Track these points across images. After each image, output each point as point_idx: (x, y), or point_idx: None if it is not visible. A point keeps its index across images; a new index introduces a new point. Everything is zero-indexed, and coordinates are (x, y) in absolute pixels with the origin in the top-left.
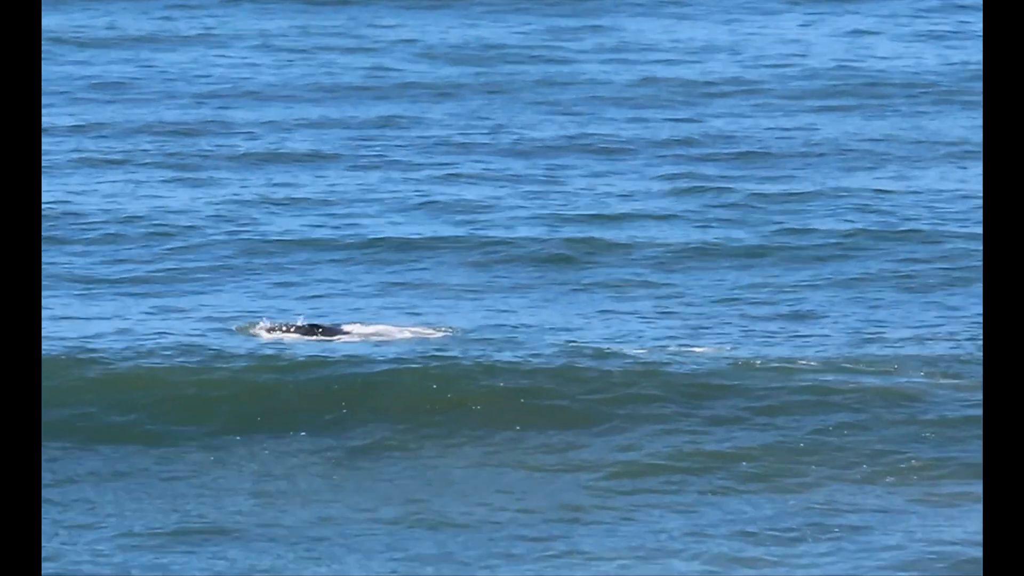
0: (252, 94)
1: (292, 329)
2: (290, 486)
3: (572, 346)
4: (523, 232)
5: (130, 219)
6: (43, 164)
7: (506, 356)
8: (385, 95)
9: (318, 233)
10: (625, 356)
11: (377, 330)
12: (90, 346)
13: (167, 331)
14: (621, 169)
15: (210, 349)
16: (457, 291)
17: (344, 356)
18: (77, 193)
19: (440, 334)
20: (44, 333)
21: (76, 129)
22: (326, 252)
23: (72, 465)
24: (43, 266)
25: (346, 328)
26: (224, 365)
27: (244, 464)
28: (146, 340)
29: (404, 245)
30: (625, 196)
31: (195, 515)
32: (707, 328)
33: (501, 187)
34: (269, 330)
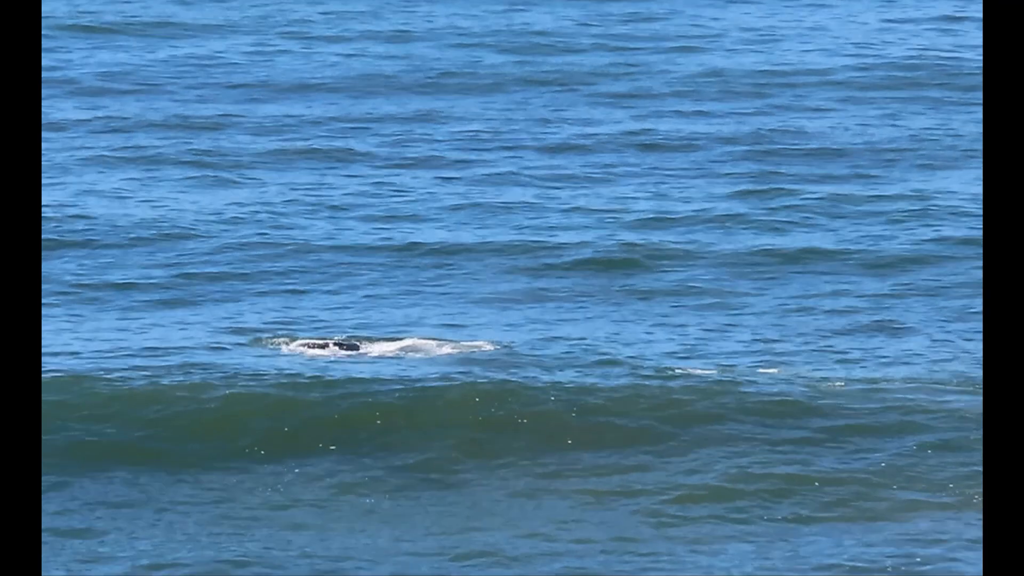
0: (277, 86)
1: (324, 343)
2: (322, 515)
3: (629, 361)
4: (575, 237)
5: (146, 223)
6: (52, 162)
7: (557, 372)
8: (423, 87)
9: (351, 238)
10: (688, 371)
11: (416, 344)
12: (104, 360)
13: (186, 344)
14: (682, 167)
15: (234, 364)
16: (504, 301)
17: (380, 373)
18: (87, 194)
19: (486, 348)
20: (54, 346)
21: (85, 124)
22: (360, 259)
23: (85, 490)
24: (54, 273)
25: (382, 342)
26: (250, 382)
27: (273, 490)
28: (163, 354)
29: (445, 251)
30: (687, 197)
31: (221, 546)
32: (778, 340)
33: (551, 188)
34: (299, 344)
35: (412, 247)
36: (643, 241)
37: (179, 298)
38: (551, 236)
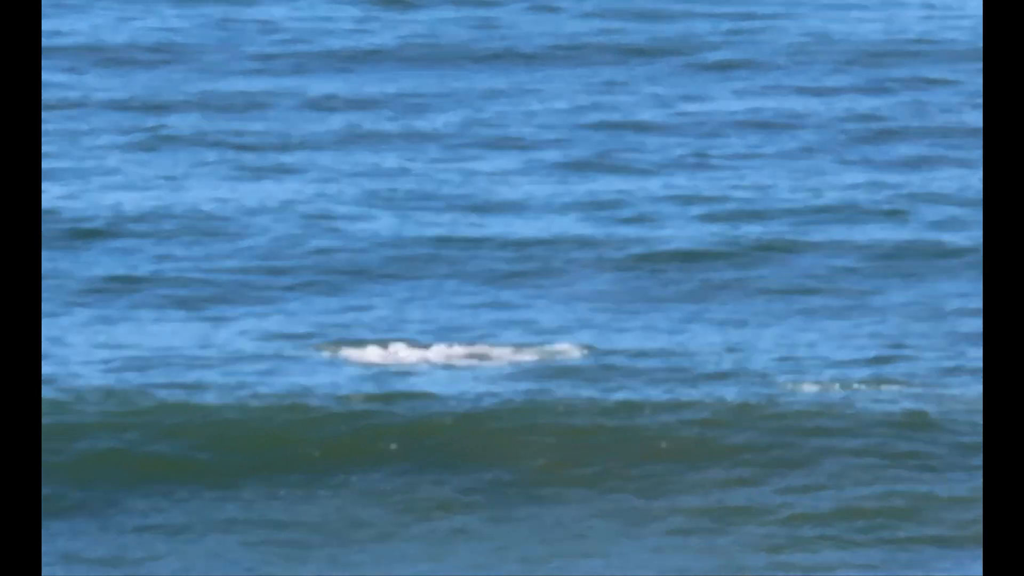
0: (329, 58)
1: (385, 348)
2: (381, 542)
3: (734, 370)
4: (669, 229)
5: (178, 216)
6: (69, 149)
7: (650, 381)
8: (496, 59)
9: (413, 231)
10: (802, 383)
11: (488, 351)
12: (140, 367)
13: (232, 350)
14: (791, 150)
15: (286, 372)
16: (588, 301)
17: (449, 382)
18: (113, 180)
19: (570, 354)
20: (83, 351)
21: (109, 104)
22: (423, 254)
23: (113, 512)
24: (75, 272)
25: (450, 347)
26: (304, 392)
27: (325, 511)
28: (205, 361)
29: (520, 246)
30: (798, 183)
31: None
32: (909, 348)
33: (640, 173)
34: (357, 349)
35: (485, 243)
36: (747, 234)
37: (218, 299)
38: (642, 228)
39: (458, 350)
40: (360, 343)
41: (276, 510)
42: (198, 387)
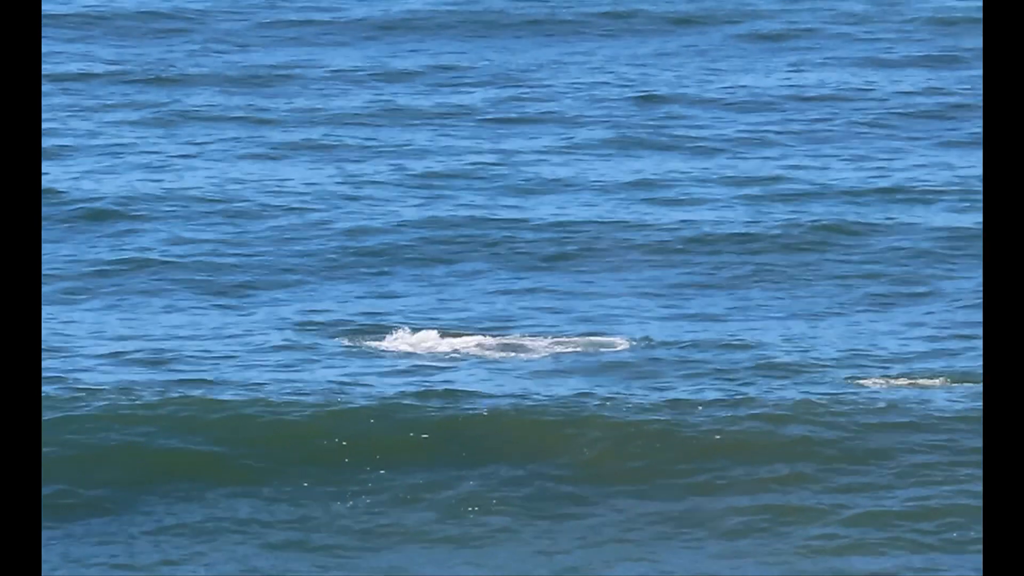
0: (356, 26)
1: (421, 340)
2: (413, 543)
3: (793, 362)
4: (726, 213)
5: (200, 200)
6: (84, 122)
7: (706, 375)
8: (539, 27)
9: (450, 213)
10: (866, 375)
11: (527, 342)
12: (146, 361)
13: (261, 341)
14: (853, 127)
15: (316, 365)
16: (634, 290)
17: (490, 375)
18: (126, 160)
19: (619, 346)
20: (104, 340)
21: (116, 76)
22: (462, 237)
23: (125, 513)
24: (84, 255)
25: (487, 339)
26: (325, 387)
27: (354, 511)
28: (220, 353)
29: (565, 230)
30: (860, 163)
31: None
32: (975, 339)
33: (696, 153)
34: (392, 341)
35: (527, 225)
36: (809, 219)
37: (241, 283)
38: (693, 210)
39: (496, 340)
40: (391, 333)
41: (300, 510)
42: (216, 379)
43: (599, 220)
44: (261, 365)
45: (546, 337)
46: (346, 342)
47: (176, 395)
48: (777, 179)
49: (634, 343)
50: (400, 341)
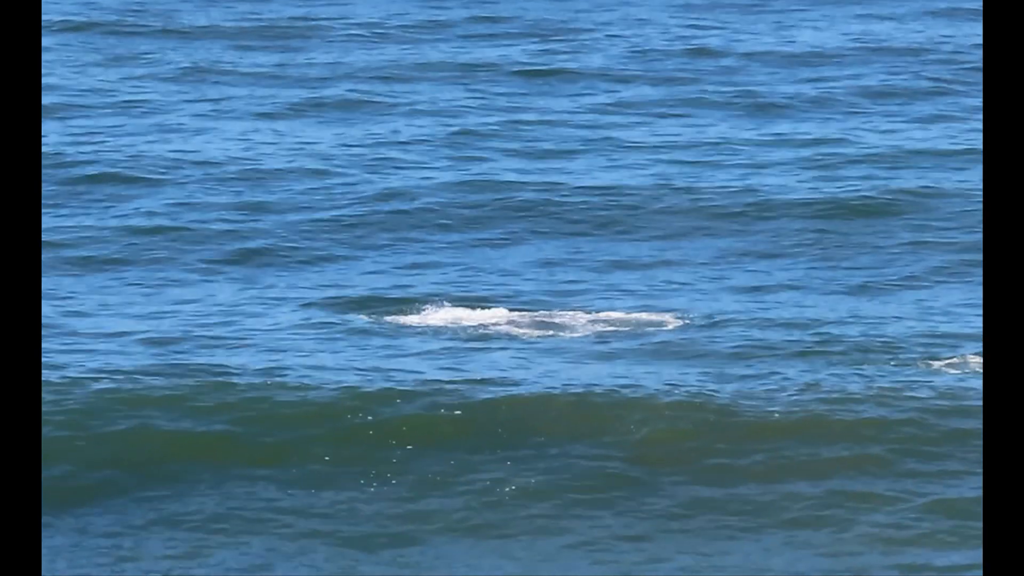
0: None
1: (447, 316)
2: (446, 535)
3: (859, 339)
4: (787, 178)
5: (216, 164)
6: (78, 80)
7: (758, 353)
8: None
9: (486, 175)
10: (939, 355)
11: (573, 318)
12: (172, 337)
13: (277, 316)
14: (920, 85)
15: (328, 345)
16: (685, 260)
17: (527, 356)
18: (134, 130)
19: (666, 325)
20: (129, 316)
21: (128, 29)
22: (497, 202)
23: (134, 500)
24: (89, 224)
25: (525, 315)
26: (348, 367)
27: (381, 500)
28: (248, 330)
29: (610, 194)
30: (929, 124)
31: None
32: None
33: (746, 112)
34: (415, 316)
35: (568, 187)
36: (874, 183)
37: (259, 253)
38: (753, 177)
39: (533, 317)
40: (420, 307)
41: (323, 500)
42: (233, 359)
43: (647, 185)
44: (281, 342)
45: (589, 312)
46: (372, 318)
47: (186, 376)
48: (842, 141)
49: (685, 319)
50: (430, 316)
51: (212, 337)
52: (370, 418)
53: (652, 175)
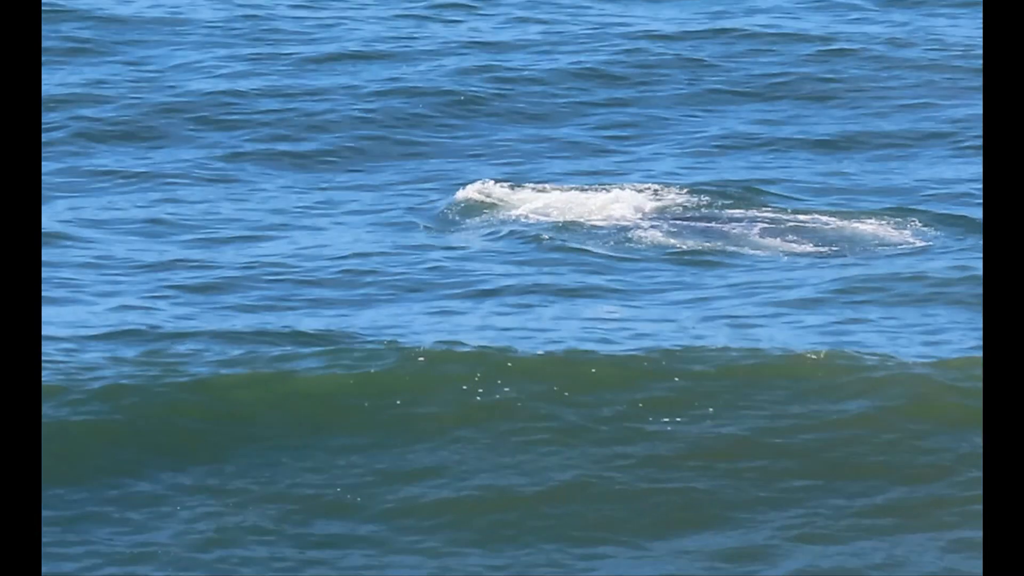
0: None
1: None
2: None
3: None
4: None
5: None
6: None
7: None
8: None
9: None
10: None
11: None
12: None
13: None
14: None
15: (334, 306)
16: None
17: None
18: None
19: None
20: (96, 280)
21: None
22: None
23: (130, 486)
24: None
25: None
26: (368, 334)
27: (405, 492)
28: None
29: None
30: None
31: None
32: None
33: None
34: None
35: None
36: None
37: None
38: None
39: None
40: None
41: (335, 490)
42: (232, 321)
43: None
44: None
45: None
46: (446, 215)
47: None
48: None
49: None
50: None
51: (203, 290)
52: (378, 391)
53: None
